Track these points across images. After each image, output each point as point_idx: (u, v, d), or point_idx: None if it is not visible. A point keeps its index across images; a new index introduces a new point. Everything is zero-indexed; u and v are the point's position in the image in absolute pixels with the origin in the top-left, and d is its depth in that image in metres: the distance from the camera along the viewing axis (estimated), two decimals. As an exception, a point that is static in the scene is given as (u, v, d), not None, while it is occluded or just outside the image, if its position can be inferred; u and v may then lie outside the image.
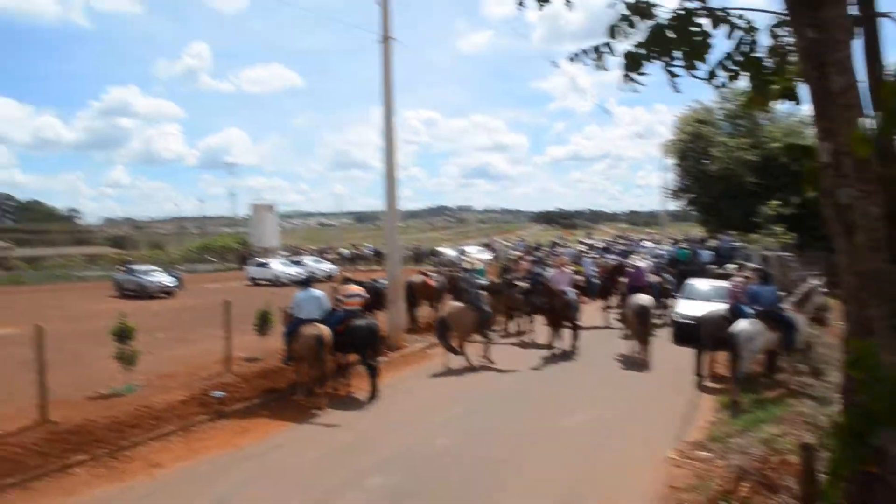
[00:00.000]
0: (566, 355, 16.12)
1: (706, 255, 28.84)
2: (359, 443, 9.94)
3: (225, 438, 10.31)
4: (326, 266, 44.92)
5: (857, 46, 3.41)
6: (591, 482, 8.35)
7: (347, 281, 14.06)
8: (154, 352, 15.97)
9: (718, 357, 14.16)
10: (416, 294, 19.91)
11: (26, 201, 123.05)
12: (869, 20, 3.39)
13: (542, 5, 3.96)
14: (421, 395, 12.78)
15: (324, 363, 11.96)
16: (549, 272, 18.83)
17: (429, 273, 22.50)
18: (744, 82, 3.49)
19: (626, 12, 3.28)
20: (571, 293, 16.73)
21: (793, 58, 3.97)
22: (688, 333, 15.64)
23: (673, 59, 3.26)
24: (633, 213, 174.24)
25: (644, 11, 3.27)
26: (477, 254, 41.89)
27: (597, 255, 29.61)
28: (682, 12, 3.34)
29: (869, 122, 2.04)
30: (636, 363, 15.10)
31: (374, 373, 12.47)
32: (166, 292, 33.71)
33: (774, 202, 28.55)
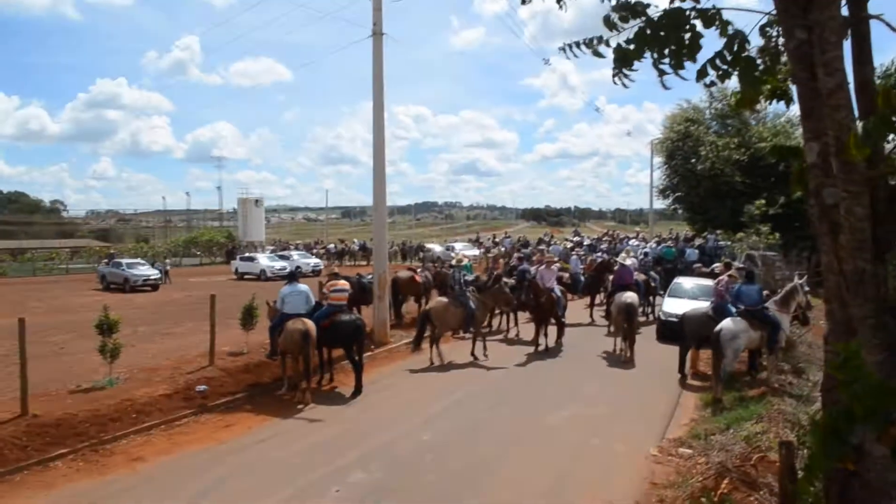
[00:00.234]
0: (551, 352, 16.16)
1: (692, 253, 28.98)
2: (342, 438, 9.91)
3: (208, 433, 10.26)
4: (313, 261, 44.81)
5: (847, 48, 3.43)
6: (573, 479, 8.37)
7: (334, 276, 14.02)
8: (137, 345, 15.92)
9: (702, 355, 14.26)
10: (402, 290, 19.90)
11: (10, 193, 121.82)
12: (859, 22, 3.40)
13: (524, 1, 3.95)
14: (405, 391, 12.76)
15: (308, 358, 11.92)
16: (533, 269, 18.91)
17: (415, 269, 22.50)
18: (734, 82, 3.49)
19: (618, 10, 3.27)
20: (557, 290, 16.78)
21: (783, 58, 3.98)
22: (672, 331, 15.73)
23: (663, 56, 3.25)
24: (620, 210, 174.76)
25: (636, 8, 3.26)
26: (464, 250, 41.97)
27: (584, 253, 29.67)
28: (673, 10, 3.34)
29: (860, 125, 2.03)
30: (621, 360, 15.15)
31: (358, 368, 12.45)
32: (151, 285, 33.50)
33: (760, 202, 28.71)
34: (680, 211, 45.42)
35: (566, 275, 21.68)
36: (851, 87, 3.26)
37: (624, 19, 3.27)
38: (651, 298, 21.70)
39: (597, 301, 22.01)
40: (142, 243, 66.69)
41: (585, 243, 39.15)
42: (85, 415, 10.12)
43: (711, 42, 3.30)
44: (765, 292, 13.54)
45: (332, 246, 57.55)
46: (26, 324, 10.48)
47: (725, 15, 3.31)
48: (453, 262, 17.58)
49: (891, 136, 3.41)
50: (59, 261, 54.39)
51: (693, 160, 37.77)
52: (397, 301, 19.50)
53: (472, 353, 15.34)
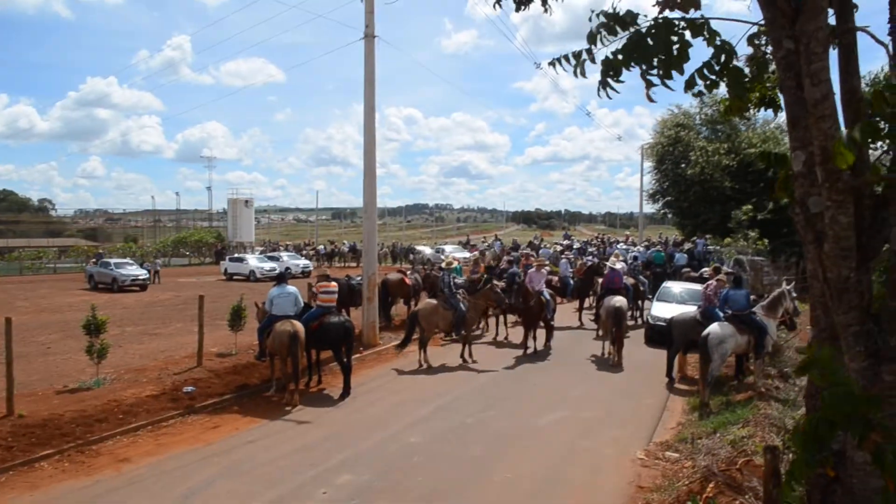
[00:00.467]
0: (540, 355, 16.19)
1: (681, 258, 29.09)
2: (330, 440, 9.90)
3: (195, 434, 10.23)
4: (303, 262, 44.72)
5: (834, 58, 3.47)
6: (561, 481, 8.40)
7: (324, 278, 14.01)
8: (125, 345, 15.89)
9: (690, 359, 14.33)
10: (391, 292, 19.88)
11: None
12: (845, 33, 3.44)
13: (519, 8, 3.96)
14: (394, 394, 12.75)
15: (297, 360, 11.90)
16: (517, 270, 19.02)
17: (405, 271, 22.50)
18: (723, 89, 3.52)
19: (607, 20, 3.29)
20: (547, 293, 16.82)
21: (771, 66, 4.02)
22: (660, 335, 15.79)
23: (651, 67, 3.28)
24: (610, 214, 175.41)
25: (624, 20, 3.28)
26: (454, 252, 41.96)
27: (573, 256, 29.74)
28: (662, 21, 3.36)
29: (847, 133, 2.06)
30: (609, 364, 15.20)
31: (347, 370, 12.43)
32: (139, 285, 33.34)
33: (747, 207, 28.90)
34: (669, 215, 45.62)
35: (555, 278, 21.75)
36: (838, 97, 3.30)
37: (611, 31, 3.29)
38: (640, 302, 21.79)
39: (586, 304, 22.07)
40: (130, 243, 66.30)
41: (575, 247, 39.26)
42: (71, 415, 10.08)
43: (698, 53, 3.33)
44: (752, 297, 13.63)
45: (321, 247, 57.46)
46: (13, 323, 10.43)
47: (714, 25, 3.35)
48: (443, 265, 17.58)
49: (875, 145, 3.46)
50: (46, 260, 53.97)
51: (683, 165, 37.97)
52: (386, 303, 19.48)
53: (462, 356, 15.35)
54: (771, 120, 36.87)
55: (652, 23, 3.29)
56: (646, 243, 39.67)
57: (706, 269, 21.45)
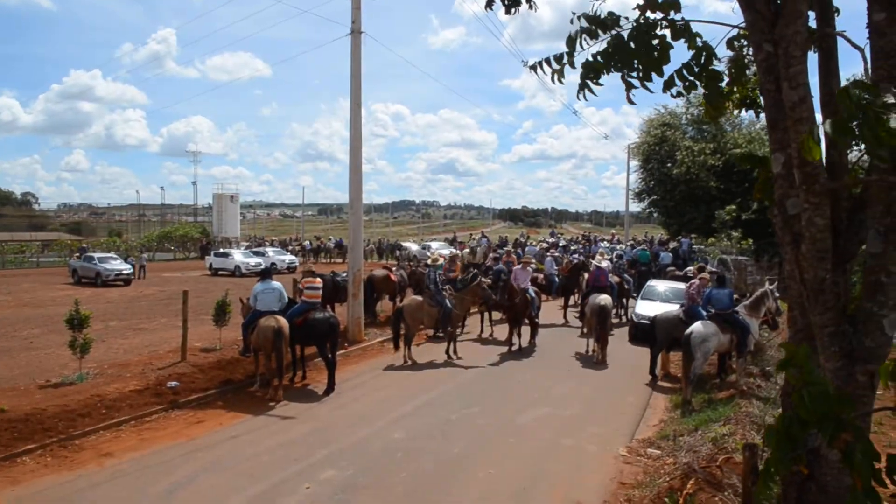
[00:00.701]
0: (524, 352, 16.25)
1: (666, 256, 29.24)
2: (314, 435, 9.91)
3: (178, 429, 10.20)
4: (288, 257, 44.60)
5: (814, 62, 3.51)
6: (544, 478, 8.44)
7: (309, 274, 13.99)
8: (108, 340, 15.80)
9: (673, 357, 14.44)
10: (377, 288, 19.88)
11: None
12: (825, 37, 3.49)
13: (509, 11, 3.98)
14: (379, 389, 12.77)
15: (281, 355, 11.89)
16: (503, 267, 19.12)
17: (391, 267, 22.50)
18: (702, 91, 3.57)
19: (588, 24, 3.31)
20: (532, 291, 16.89)
21: (752, 69, 4.07)
22: (644, 333, 15.90)
23: (632, 69, 3.31)
24: (597, 213, 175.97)
25: (605, 23, 3.31)
26: (440, 249, 41.96)
27: (559, 254, 29.82)
28: (644, 23, 3.39)
29: (821, 130, 2.10)
30: (593, 361, 15.28)
31: (331, 366, 12.43)
32: (123, 280, 33.12)
33: (730, 207, 29.12)
34: (655, 214, 45.87)
35: (541, 276, 21.82)
36: (817, 99, 3.35)
37: (593, 35, 3.31)
38: (625, 300, 21.91)
39: (571, 302, 22.16)
40: (114, 237, 65.89)
41: (560, 244, 39.38)
42: (54, 410, 10.00)
43: (678, 54, 3.37)
44: (735, 296, 13.74)
45: (307, 243, 57.31)
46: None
47: (695, 28, 3.38)
48: (429, 262, 17.60)
49: (852, 150, 3.51)
50: (29, 254, 53.51)
51: (669, 164, 38.20)
52: (372, 299, 19.47)
53: (447, 353, 15.37)
54: (757, 121, 37.16)
55: (633, 25, 3.32)
56: (631, 242, 39.83)
57: (690, 268, 21.59)
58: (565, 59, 3.44)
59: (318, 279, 13.56)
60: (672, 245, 33.51)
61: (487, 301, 17.03)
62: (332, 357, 12.48)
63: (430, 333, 17.45)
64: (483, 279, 17.71)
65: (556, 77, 3.44)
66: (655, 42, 3.26)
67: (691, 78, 3.41)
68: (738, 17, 3.73)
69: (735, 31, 3.79)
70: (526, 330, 16.86)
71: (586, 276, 19.16)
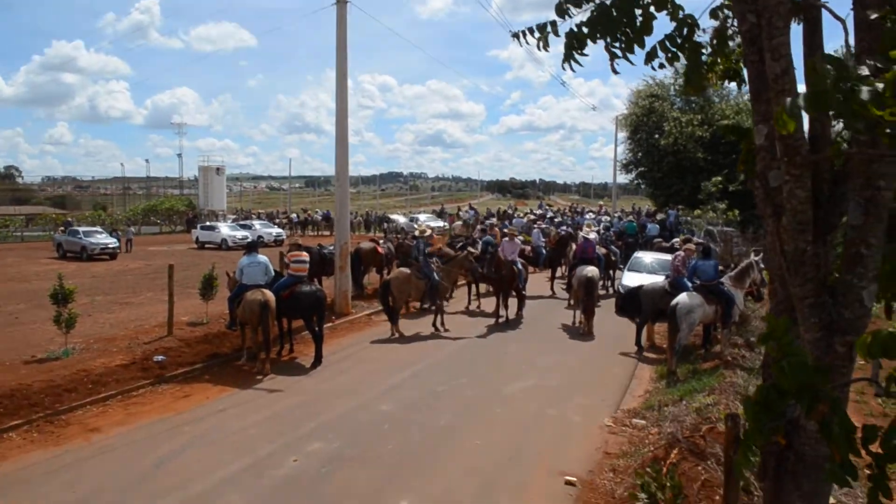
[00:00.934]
0: (511, 324, 16.33)
1: (653, 228, 29.35)
2: (301, 408, 9.95)
3: (165, 403, 10.21)
4: (275, 230, 44.45)
5: (800, 33, 3.48)
6: (530, 448, 8.53)
7: (295, 247, 13.94)
8: (94, 315, 15.73)
9: (658, 328, 14.55)
10: (364, 261, 19.84)
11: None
12: (810, 9, 3.46)
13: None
14: (366, 362, 12.81)
15: (268, 329, 11.89)
16: (491, 239, 19.18)
17: (378, 240, 22.46)
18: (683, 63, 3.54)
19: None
20: (519, 263, 16.93)
21: (736, 40, 4.04)
22: (630, 304, 15.99)
23: (615, 39, 3.27)
24: (585, 184, 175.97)
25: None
26: (428, 221, 41.96)
27: (546, 226, 29.87)
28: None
29: (791, 101, 2.08)
30: (579, 333, 15.38)
31: (318, 339, 12.44)
32: (109, 254, 32.89)
33: (716, 178, 29.16)
34: (643, 186, 45.90)
35: (528, 248, 21.87)
36: (802, 71, 3.33)
37: (577, 4, 3.27)
38: (611, 272, 22.00)
39: (558, 274, 22.23)
40: (99, 211, 65.18)
41: (548, 216, 39.43)
42: (40, 385, 9.99)
43: (660, 26, 3.34)
44: (720, 268, 13.82)
45: (294, 216, 57.10)
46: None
47: (678, -1, 3.35)
48: (416, 234, 17.57)
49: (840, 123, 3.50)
50: (13, 228, 52.92)
51: (656, 136, 38.16)
52: (359, 272, 19.44)
53: (434, 325, 15.42)
54: (744, 92, 37.06)
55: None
56: (618, 214, 39.94)
57: (677, 239, 21.68)
58: (549, 28, 3.40)
59: (305, 252, 13.54)
60: (659, 216, 33.63)
61: (474, 273, 17.06)
62: (319, 330, 12.49)
63: (416, 306, 17.48)
64: (471, 249, 17.72)
65: (541, 45, 3.41)
66: (639, 12, 3.22)
67: (674, 49, 3.38)
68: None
69: (718, 2, 3.75)
70: (513, 302, 16.93)
71: (574, 247, 19.22)
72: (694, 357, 12.84)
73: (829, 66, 2.02)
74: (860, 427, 2.14)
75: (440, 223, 44.92)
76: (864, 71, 2.02)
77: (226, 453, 8.20)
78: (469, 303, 18.90)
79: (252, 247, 13.02)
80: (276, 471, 7.70)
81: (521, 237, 20.86)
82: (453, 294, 19.38)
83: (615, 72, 3.45)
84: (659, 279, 14.91)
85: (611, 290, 20.90)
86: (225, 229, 41.08)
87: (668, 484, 5.09)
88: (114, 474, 7.61)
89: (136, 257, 33.43)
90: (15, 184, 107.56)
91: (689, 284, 12.99)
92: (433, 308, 15.82)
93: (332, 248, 18.31)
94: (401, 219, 50.20)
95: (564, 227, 27.98)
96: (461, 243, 19.50)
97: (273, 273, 12.72)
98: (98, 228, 38.20)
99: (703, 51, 3.60)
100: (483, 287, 19.22)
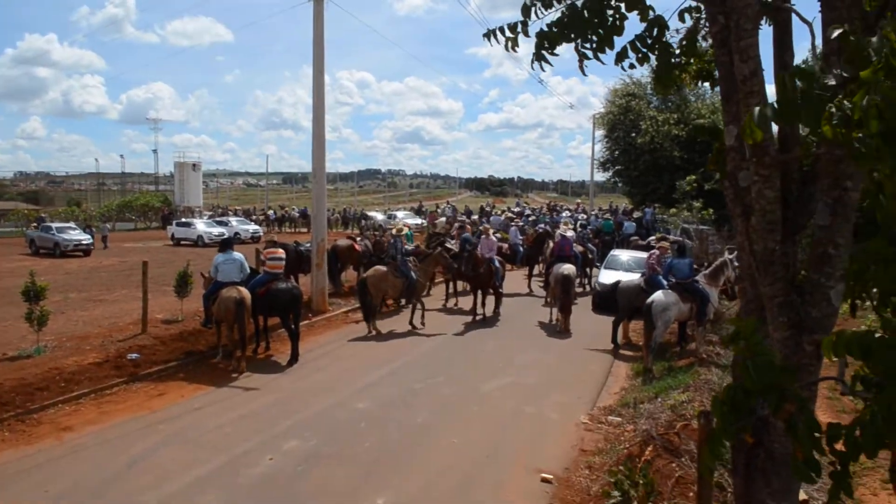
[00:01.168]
0: (489, 321, 16.36)
1: (630, 226, 29.53)
2: (277, 406, 9.90)
3: (139, 401, 10.10)
4: (252, 227, 44.17)
5: (769, 35, 3.53)
6: (506, 446, 8.56)
7: (272, 244, 13.86)
8: (67, 312, 15.54)
9: (634, 326, 14.66)
10: (341, 258, 19.76)
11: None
12: (779, 11, 3.50)
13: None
14: (342, 359, 12.78)
15: (243, 326, 11.82)
16: (469, 236, 19.25)
17: (355, 237, 22.39)
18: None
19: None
20: (496, 261, 16.97)
21: (707, 42, 4.08)
22: (606, 302, 16.09)
23: (586, 40, 3.29)
24: (562, 182, 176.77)
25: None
26: (406, 218, 41.91)
27: (523, 224, 29.96)
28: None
29: (767, 111, 2.10)
30: (556, 330, 15.44)
31: (294, 337, 12.39)
32: (82, 250, 32.46)
33: (691, 177, 29.38)
34: (620, 184, 46.12)
35: (505, 245, 21.93)
36: (772, 72, 3.37)
37: (546, 4, 3.28)
38: (588, 270, 22.11)
39: (535, 272, 22.30)
40: (73, 207, 64.30)
41: (526, 213, 39.54)
42: (11, 384, 9.83)
43: (630, 27, 3.36)
44: (695, 266, 13.95)
45: (272, 212, 56.76)
46: (-53, 290, 10.10)
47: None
48: (393, 232, 17.53)
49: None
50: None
51: (633, 134, 38.33)
52: (336, 269, 19.37)
53: (411, 323, 15.40)
54: (719, 92, 37.34)
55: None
56: (595, 212, 40.13)
57: (653, 237, 21.84)
58: (519, 29, 3.41)
59: (281, 249, 13.47)
60: (636, 215, 33.84)
61: (450, 269, 17.09)
62: (295, 328, 12.44)
63: (391, 303, 17.45)
64: (449, 245, 17.73)
65: (510, 45, 3.42)
66: (610, 13, 3.25)
67: (644, 50, 3.41)
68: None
69: (687, 3, 3.79)
70: (490, 299, 16.96)
71: (551, 245, 19.29)
72: (669, 354, 12.96)
73: (797, 81, 2.04)
74: (826, 425, 2.18)
75: (418, 220, 44.89)
76: (831, 80, 2.06)
77: (201, 452, 8.14)
78: (447, 300, 18.91)
79: (227, 244, 12.92)
80: (252, 469, 7.66)
81: (498, 234, 20.93)
82: (430, 292, 19.43)
83: (583, 73, 3.48)
84: (635, 277, 15.02)
85: (588, 288, 21.02)
86: (201, 226, 40.73)
87: (641, 481, 5.13)
88: (87, 474, 7.52)
89: (111, 254, 33.04)
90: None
91: (665, 282, 13.10)
92: (410, 306, 15.81)
93: (308, 245, 18.21)
94: (379, 216, 50.09)
95: (542, 226, 28.07)
96: (437, 241, 19.49)
97: (248, 270, 12.64)
98: (72, 224, 37.69)
99: (674, 51, 3.63)
100: (461, 285, 19.24)
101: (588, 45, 3.35)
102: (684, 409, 8.99)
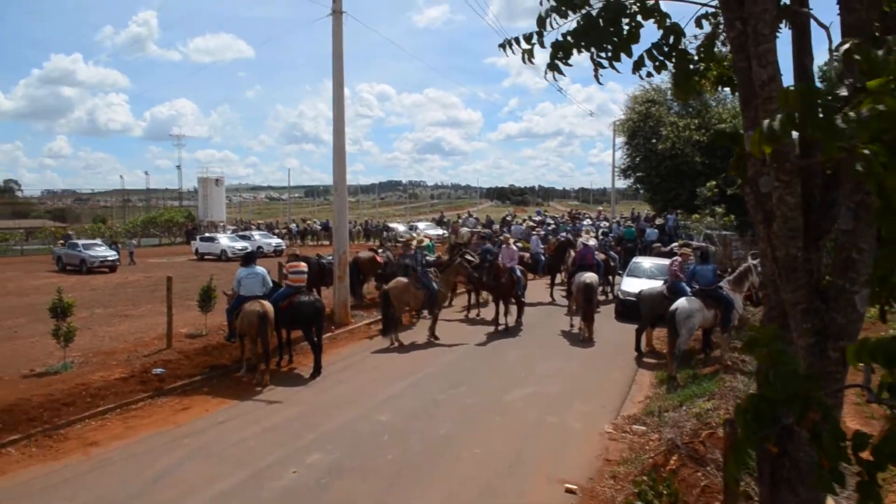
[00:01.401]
0: (511, 331, 16.31)
1: (652, 233, 29.34)
2: (300, 419, 9.92)
3: (164, 416, 10.18)
4: (275, 241, 44.44)
5: (788, 39, 3.49)
6: (530, 456, 8.51)
7: (294, 257, 13.92)
8: (93, 328, 15.72)
9: (658, 333, 14.53)
10: (363, 270, 19.82)
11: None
12: (797, 15, 3.46)
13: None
14: (365, 372, 12.79)
15: (266, 340, 11.87)
16: (490, 247, 19.22)
17: (377, 249, 22.44)
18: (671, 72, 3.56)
19: (557, 3, 3.27)
20: (518, 270, 16.92)
21: (725, 48, 4.05)
22: (630, 310, 15.98)
23: (601, 49, 3.28)
24: (584, 190, 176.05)
25: (574, 2, 3.27)
26: (427, 229, 41.96)
27: (544, 233, 29.88)
28: (614, 2, 3.36)
29: (767, 124, 2.07)
30: (579, 339, 15.35)
31: (317, 349, 12.43)
32: (108, 266, 32.85)
33: (711, 183, 29.14)
34: (641, 191, 45.90)
35: (527, 254, 21.87)
36: (791, 76, 3.33)
37: (562, 14, 3.28)
38: (611, 278, 21.98)
39: (557, 280, 22.21)
40: (99, 224, 65.08)
41: (546, 222, 39.42)
42: (38, 399, 9.96)
43: (647, 34, 3.35)
44: (718, 272, 13.81)
45: (294, 226, 57.08)
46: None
47: (664, 7, 3.36)
48: (413, 244, 17.55)
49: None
50: (13, 242, 52.83)
51: (654, 140, 38.18)
52: (358, 281, 19.41)
53: (434, 334, 15.38)
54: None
55: (603, 4, 3.28)
56: (617, 219, 39.92)
57: (675, 244, 21.67)
58: (535, 39, 3.41)
59: (303, 263, 13.53)
60: (658, 221, 33.61)
61: (471, 279, 17.07)
62: (318, 340, 12.48)
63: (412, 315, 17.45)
64: (469, 257, 17.72)
65: (526, 57, 3.42)
66: (626, 21, 3.24)
67: (661, 58, 3.39)
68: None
69: (703, 10, 3.76)
70: (513, 309, 16.91)
71: (573, 254, 19.20)
72: (694, 362, 12.82)
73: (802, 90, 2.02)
74: (852, 434, 2.13)
75: (439, 231, 44.91)
76: (843, 91, 2.03)
77: (225, 466, 8.18)
78: (468, 311, 18.88)
79: (249, 258, 13.00)
80: (275, 482, 7.68)
81: (520, 244, 20.88)
82: (452, 303, 19.43)
83: (599, 82, 3.46)
84: (658, 284, 14.91)
85: (610, 296, 20.88)
86: (224, 240, 41.06)
87: (665, 491, 5.07)
88: (113, 488, 7.59)
89: (136, 270, 33.41)
90: (14, 198, 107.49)
91: (688, 289, 12.98)
92: (431, 317, 15.79)
93: (330, 257, 18.28)
94: (400, 227, 50.17)
95: (563, 234, 27.98)
96: (458, 251, 19.47)
97: (271, 284, 12.70)
98: (98, 241, 38.13)
99: (692, 58, 3.61)
100: (483, 295, 19.21)
101: (603, 55, 3.33)
102: (709, 417, 8.88)
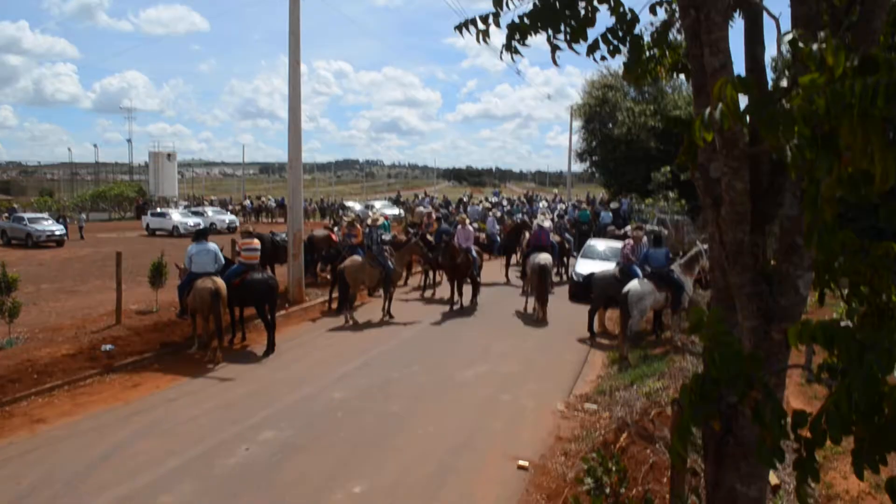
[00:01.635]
0: (466, 311, 16.41)
1: (606, 216, 29.70)
2: (253, 397, 9.87)
3: (114, 393, 10.02)
4: (229, 217, 43.81)
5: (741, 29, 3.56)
6: (483, 434, 8.62)
7: (248, 234, 13.76)
8: (40, 303, 15.34)
9: (610, 314, 14.78)
10: (318, 248, 19.68)
11: None
12: (750, 5, 3.54)
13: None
14: (318, 350, 12.76)
15: (219, 317, 11.75)
16: (447, 227, 19.26)
17: (331, 227, 22.30)
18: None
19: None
20: (474, 250, 17.00)
21: (679, 35, 4.11)
22: (583, 291, 16.20)
23: (558, 31, 3.31)
24: (540, 172, 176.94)
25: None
26: (384, 209, 41.81)
27: (500, 214, 30.04)
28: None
29: (708, 113, 2.12)
30: (533, 319, 15.52)
31: (270, 327, 12.35)
32: (55, 241, 32.00)
33: (665, 168, 29.61)
34: (597, 175, 46.37)
35: (482, 235, 21.98)
36: (742, 64, 3.41)
37: (519, -4, 3.30)
38: (565, 259, 22.22)
39: (512, 261, 22.37)
40: (46, 197, 63.28)
41: (501, 203, 39.65)
42: (-19, 376, 9.72)
43: (602, 19, 3.39)
44: (670, 255, 14.08)
45: (248, 202, 56.34)
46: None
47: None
48: (369, 222, 17.49)
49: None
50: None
51: (610, 125, 38.59)
52: (313, 259, 19.29)
53: (388, 312, 15.40)
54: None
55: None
56: (573, 202, 40.32)
57: (629, 227, 21.99)
58: (491, 20, 3.42)
59: (256, 240, 13.39)
60: (613, 205, 34.03)
61: (425, 258, 17.12)
62: (271, 318, 12.41)
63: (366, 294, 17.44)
64: (427, 236, 17.75)
65: (481, 37, 3.43)
66: (582, 4, 3.27)
67: (615, 42, 3.44)
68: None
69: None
70: (467, 289, 17.00)
71: (528, 235, 19.36)
72: (645, 343, 13.09)
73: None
74: (791, 412, 2.22)
75: (396, 211, 44.81)
76: (784, 83, 2.09)
77: (176, 443, 8.10)
78: (424, 290, 18.93)
79: (201, 234, 12.80)
80: (227, 460, 7.65)
81: (475, 224, 20.95)
82: (407, 281, 19.47)
83: (556, 64, 3.49)
84: (612, 266, 15.13)
85: (564, 278, 21.12)
86: (176, 216, 40.33)
87: (614, 468, 5.19)
88: (60, 466, 7.46)
89: (85, 245, 32.60)
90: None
91: (640, 272, 13.22)
92: (384, 295, 15.78)
93: (284, 235, 18.12)
94: (356, 206, 49.88)
95: (519, 215, 28.13)
96: (414, 230, 19.49)
97: (223, 260, 12.55)
98: (44, 215, 37.07)
99: (646, 44, 3.66)
100: (439, 275, 19.27)
101: (560, 37, 3.36)
102: (659, 396, 9.10)
